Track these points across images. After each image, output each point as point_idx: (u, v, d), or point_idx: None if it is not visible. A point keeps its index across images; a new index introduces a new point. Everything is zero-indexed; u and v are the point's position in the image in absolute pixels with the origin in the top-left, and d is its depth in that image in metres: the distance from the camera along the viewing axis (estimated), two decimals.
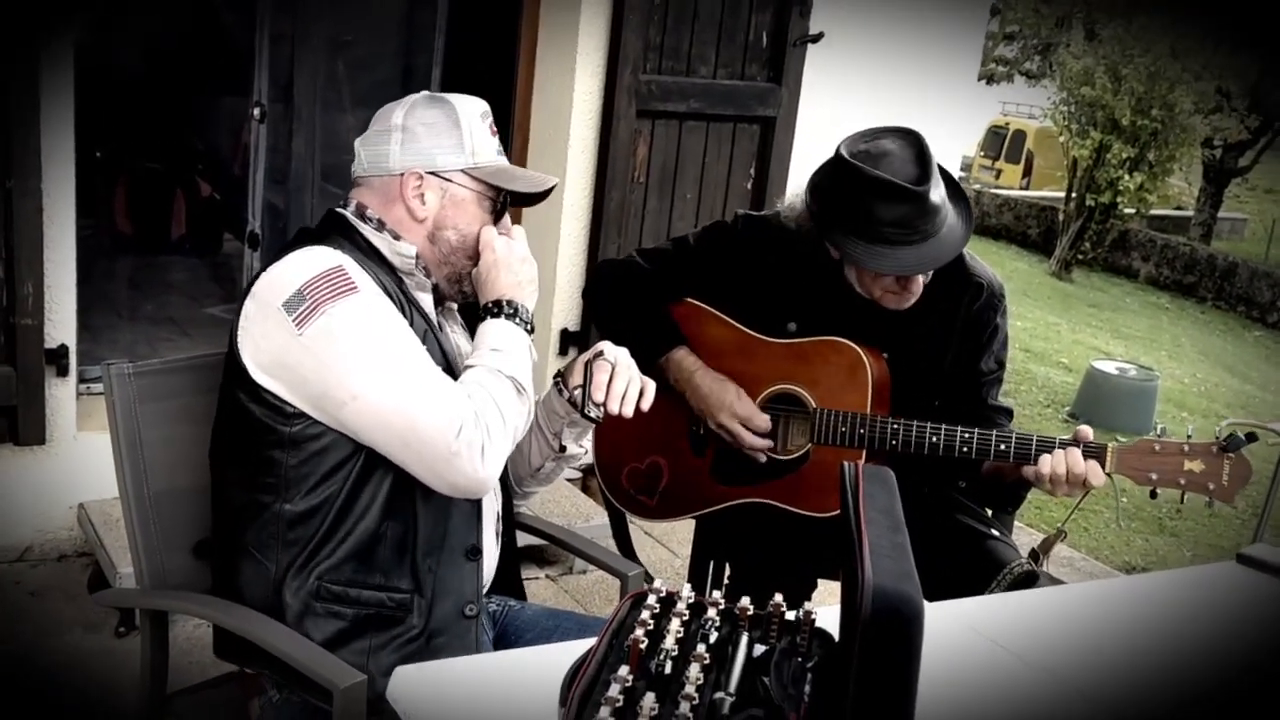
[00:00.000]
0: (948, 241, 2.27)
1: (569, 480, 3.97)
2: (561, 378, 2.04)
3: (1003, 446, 2.27)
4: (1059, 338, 11.26)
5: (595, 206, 4.04)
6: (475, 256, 1.92)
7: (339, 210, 1.93)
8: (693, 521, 2.69)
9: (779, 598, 1.47)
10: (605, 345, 1.99)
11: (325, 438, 1.76)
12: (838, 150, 2.29)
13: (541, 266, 4.57)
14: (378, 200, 1.91)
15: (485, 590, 1.99)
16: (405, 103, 1.92)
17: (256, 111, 4.78)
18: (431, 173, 1.89)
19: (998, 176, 21.86)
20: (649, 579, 2.71)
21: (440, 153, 1.89)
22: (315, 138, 5.23)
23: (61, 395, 3.38)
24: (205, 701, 2.05)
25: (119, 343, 4.69)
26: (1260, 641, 1.85)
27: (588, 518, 3.71)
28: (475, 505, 1.87)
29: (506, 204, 1.96)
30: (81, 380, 3.52)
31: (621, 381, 1.95)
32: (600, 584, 3.67)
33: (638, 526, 2.72)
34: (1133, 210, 15.01)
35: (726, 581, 2.65)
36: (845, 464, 1.46)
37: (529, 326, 1.90)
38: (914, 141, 2.27)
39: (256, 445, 1.79)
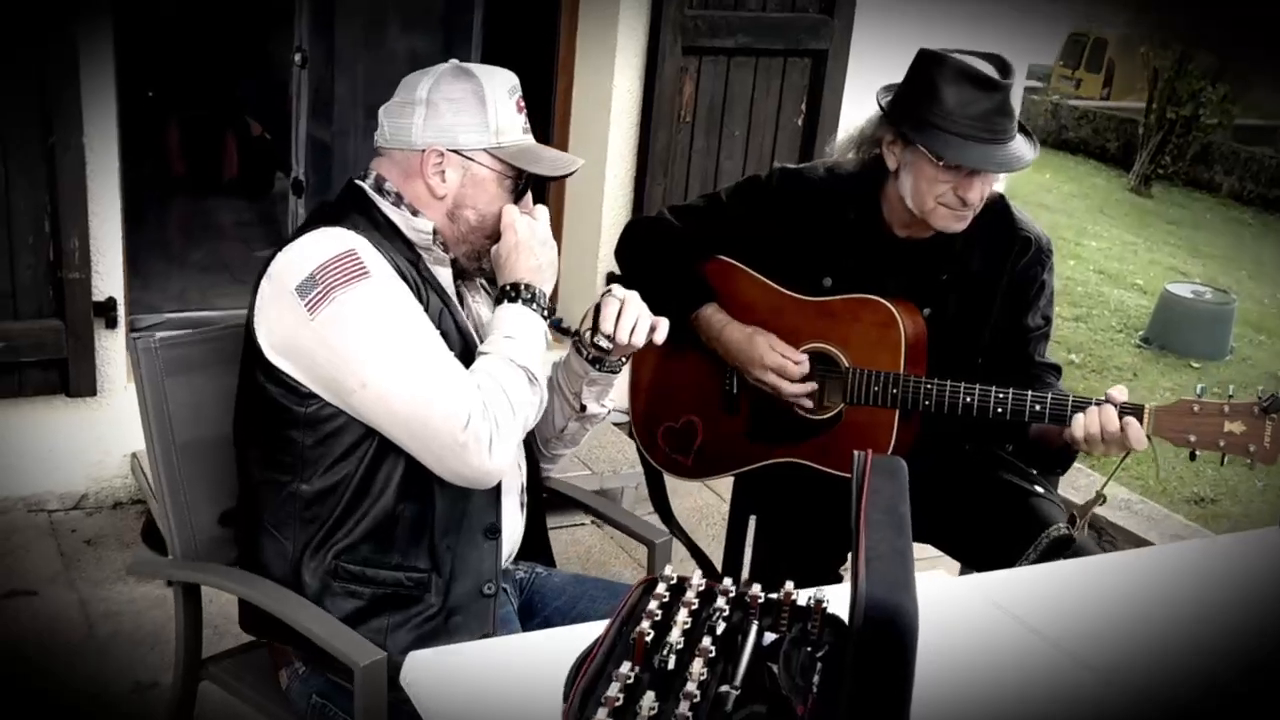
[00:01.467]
0: (1017, 152, 2.24)
1: (615, 424, 3.96)
2: (579, 336, 2.01)
3: (1037, 407, 2.21)
4: (1135, 258, 10.95)
5: (640, 148, 3.97)
6: (494, 235, 1.89)
7: (358, 182, 1.90)
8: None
9: (790, 585, 1.44)
10: (614, 285, 1.98)
11: (340, 418, 1.76)
12: (920, 49, 2.28)
13: (587, 210, 4.49)
14: (398, 173, 1.88)
15: (511, 559, 2.00)
16: (432, 73, 1.87)
17: (298, 57, 4.75)
18: (453, 151, 1.85)
19: (1078, 86, 21.16)
20: (685, 538, 2.70)
21: (463, 131, 1.85)
22: (358, 78, 5.19)
23: (111, 347, 3.42)
24: (239, 667, 2.08)
25: (170, 290, 4.71)
26: None
27: (633, 463, 3.70)
28: (496, 484, 1.85)
29: (529, 184, 1.92)
30: (132, 330, 3.56)
31: (630, 314, 1.93)
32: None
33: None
34: (1215, 121, 14.46)
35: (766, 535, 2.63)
36: (856, 454, 1.42)
37: (545, 312, 1.87)
38: (996, 57, 2.27)
39: (273, 425, 1.79)
